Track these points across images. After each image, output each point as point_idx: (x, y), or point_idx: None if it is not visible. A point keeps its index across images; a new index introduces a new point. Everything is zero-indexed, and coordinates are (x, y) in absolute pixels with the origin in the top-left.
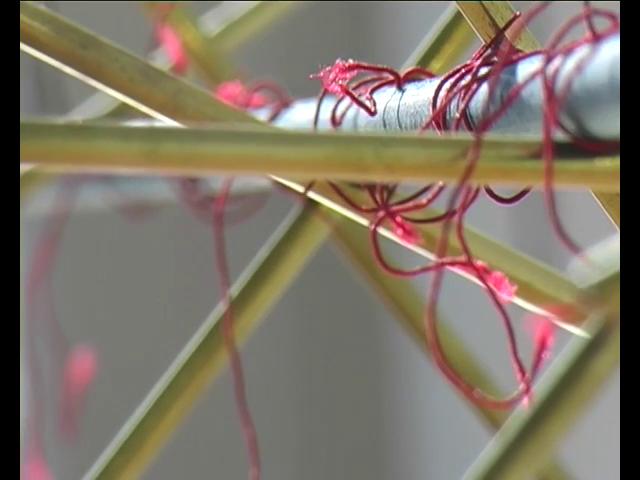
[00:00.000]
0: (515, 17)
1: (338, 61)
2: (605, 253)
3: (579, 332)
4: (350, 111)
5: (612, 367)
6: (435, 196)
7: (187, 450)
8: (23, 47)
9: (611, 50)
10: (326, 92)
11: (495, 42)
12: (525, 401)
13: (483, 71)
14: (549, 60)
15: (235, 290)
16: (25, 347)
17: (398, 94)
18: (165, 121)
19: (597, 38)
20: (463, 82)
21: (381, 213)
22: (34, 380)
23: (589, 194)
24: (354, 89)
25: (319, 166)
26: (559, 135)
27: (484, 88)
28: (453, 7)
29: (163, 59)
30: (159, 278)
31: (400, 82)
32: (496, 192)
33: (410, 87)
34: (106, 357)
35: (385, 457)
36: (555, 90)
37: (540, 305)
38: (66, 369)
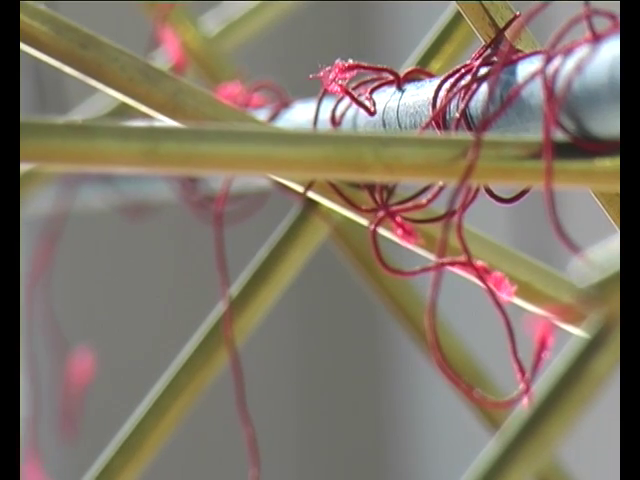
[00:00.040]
0: (515, 17)
1: (338, 61)
2: (605, 253)
3: (579, 332)
4: (350, 111)
5: (612, 367)
6: (435, 196)
7: (187, 450)
8: (23, 47)
9: (611, 50)
10: (326, 92)
11: (495, 42)
12: (525, 401)
13: (483, 71)
14: (549, 60)
15: (235, 290)
16: (25, 347)
17: (398, 94)
18: (165, 121)
19: (597, 38)
20: (463, 82)
21: (381, 213)
22: (34, 380)
23: (589, 194)
24: (354, 89)
25: (319, 166)
26: (559, 135)
27: (484, 88)
28: (453, 7)
29: (163, 59)
30: (159, 278)
31: (400, 82)
32: (496, 192)
33: (410, 87)
34: (106, 357)
35: (385, 457)
36: (555, 90)
37: (540, 305)
38: (65, 369)
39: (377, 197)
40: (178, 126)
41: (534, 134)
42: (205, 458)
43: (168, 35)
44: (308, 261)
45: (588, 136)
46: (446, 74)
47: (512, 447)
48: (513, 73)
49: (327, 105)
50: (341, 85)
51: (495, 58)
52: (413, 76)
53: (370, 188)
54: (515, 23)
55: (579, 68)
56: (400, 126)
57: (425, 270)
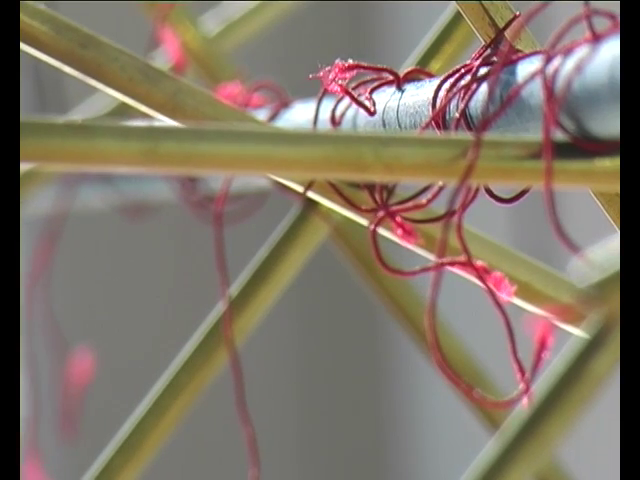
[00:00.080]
0: (515, 17)
1: (338, 61)
2: (604, 253)
3: (578, 332)
4: (349, 111)
5: (611, 367)
6: (435, 196)
7: (187, 450)
8: (23, 46)
9: (611, 50)
10: (326, 92)
11: (495, 42)
12: (524, 401)
13: (483, 71)
14: (549, 60)
15: (235, 290)
16: (25, 347)
17: (398, 94)
18: (164, 121)
19: (597, 38)
20: (463, 82)
21: (381, 213)
22: (34, 380)
23: (589, 194)
24: (354, 89)
25: (318, 166)
26: (559, 135)
27: (484, 88)
28: (453, 7)
29: (163, 59)
30: (158, 278)
31: (400, 82)
32: (496, 192)
33: (410, 87)
34: (105, 357)
35: (385, 457)
36: (555, 90)
37: (540, 305)
38: (65, 369)
39: (377, 197)
40: (178, 126)
41: (534, 134)
42: (205, 458)
43: (168, 35)
44: (308, 261)
45: (588, 136)
46: (446, 74)
47: (512, 447)
48: (513, 73)
49: (327, 105)
50: (341, 85)
51: (495, 58)
52: (413, 76)
53: (370, 188)
54: (515, 23)
55: (579, 68)
56: (400, 126)
57: (425, 270)
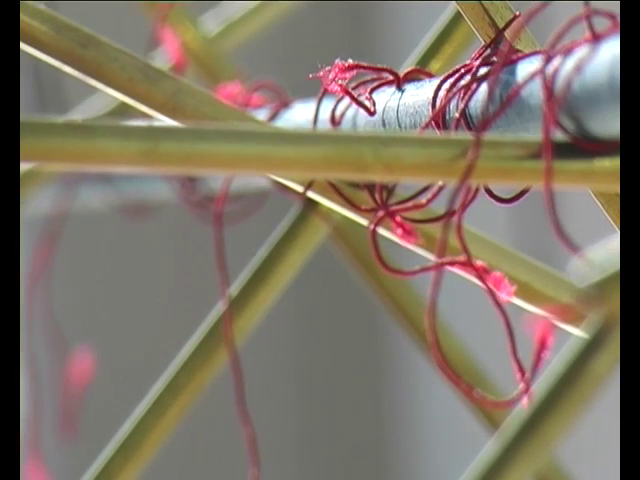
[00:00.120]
0: (515, 17)
1: (338, 61)
2: (604, 253)
3: (578, 332)
4: (349, 111)
5: (611, 367)
6: (435, 196)
7: (186, 450)
8: (23, 46)
9: (611, 50)
10: (325, 92)
11: (495, 42)
12: (524, 401)
13: (483, 71)
14: (549, 60)
15: (234, 290)
16: (25, 347)
17: (397, 94)
18: (164, 121)
19: (597, 38)
20: (462, 82)
21: (380, 213)
22: (34, 380)
23: (589, 194)
24: (353, 89)
25: (318, 166)
26: (558, 135)
27: (483, 88)
28: (453, 7)
29: (163, 59)
30: (158, 278)
31: (399, 82)
32: (496, 192)
33: (409, 87)
34: (105, 357)
35: (385, 457)
36: (554, 90)
37: (539, 305)
38: (65, 369)
39: (377, 197)
40: (177, 126)
41: (534, 134)
42: (205, 458)
43: (168, 35)
44: (308, 261)
45: (588, 136)
46: (446, 74)
47: (511, 447)
48: (513, 73)
49: (327, 105)
50: (341, 85)
51: (495, 58)
52: (413, 76)
53: (370, 188)
54: (515, 23)
55: (579, 68)
56: (400, 126)
57: (425, 270)
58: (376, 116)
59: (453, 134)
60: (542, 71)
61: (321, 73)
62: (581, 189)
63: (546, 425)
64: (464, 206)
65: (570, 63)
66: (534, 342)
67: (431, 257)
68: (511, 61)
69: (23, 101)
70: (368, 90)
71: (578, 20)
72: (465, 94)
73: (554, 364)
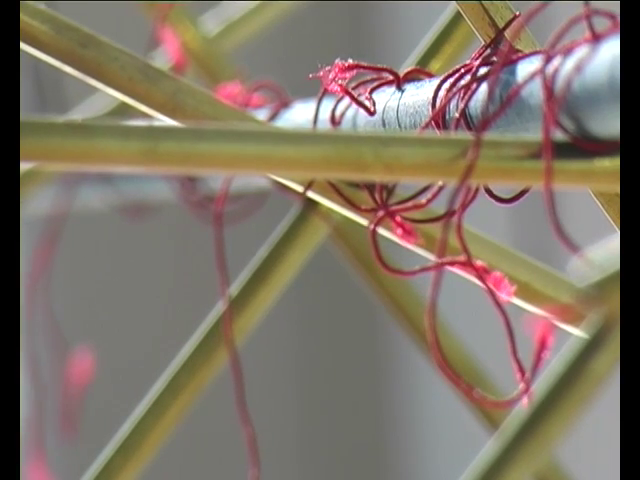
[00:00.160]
0: (515, 17)
1: (338, 61)
2: (604, 252)
3: (578, 332)
4: (349, 111)
5: (611, 367)
6: (435, 196)
7: (186, 450)
8: (23, 46)
9: (611, 50)
10: (325, 92)
11: (495, 42)
12: (524, 401)
13: (482, 71)
14: (548, 60)
15: (234, 290)
16: (25, 347)
17: (397, 94)
18: (164, 120)
19: (597, 38)
20: (462, 82)
21: (380, 213)
22: (34, 380)
23: (589, 194)
24: (353, 89)
25: (318, 165)
26: (558, 135)
27: (483, 88)
28: (453, 7)
29: (163, 59)
30: (159, 278)
31: (399, 82)
32: (495, 192)
33: (409, 87)
34: (105, 357)
35: (385, 457)
36: (554, 90)
37: (539, 305)
38: (66, 369)
39: (377, 197)
40: (177, 125)
41: (534, 134)
42: (205, 458)
43: (168, 35)
44: (308, 261)
45: (588, 136)
46: (446, 74)
47: (511, 447)
48: (513, 73)
49: (327, 105)
50: (341, 85)
51: (495, 58)
52: (413, 76)
53: (370, 188)
54: (515, 23)
55: (579, 68)
56: (400, 126)
57: (425, 270)
58: (376, 116)
59: (453, 134)
60: (542, 71)
61: (321, 73)
62: (581, 189)
63: (546, 425)
64: (464, 206)
65: (570, 63)
66: (534, 342)
67: (431, 257)
68: (511, 61)
69: (23, 101)
70: (368, 90)
71: (578, 20)
72: (465, 94)
73: (554, 364)
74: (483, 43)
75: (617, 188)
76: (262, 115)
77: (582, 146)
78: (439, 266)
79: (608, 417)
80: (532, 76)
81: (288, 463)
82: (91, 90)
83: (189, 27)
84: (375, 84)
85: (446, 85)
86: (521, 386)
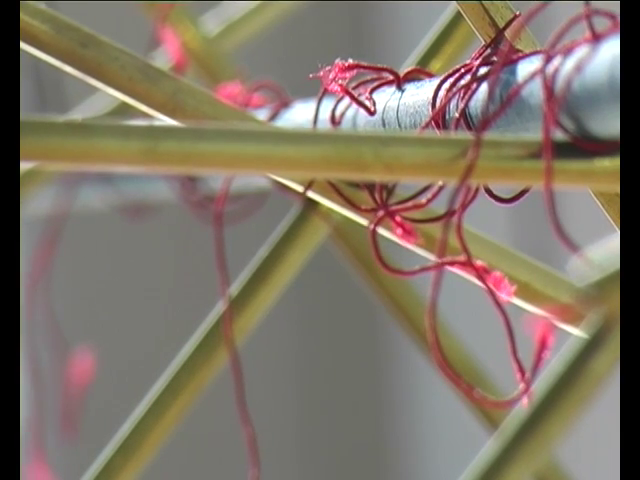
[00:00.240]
0: (515, 17)
1: (338, 61)
2: (604, 252)
3: (578, 332)
4: (349, 111)
5: (611, 366)
6: (435, 196)
7: (187, 449)
8: (23, 46)
9: (611, 50)
10: (326, 92)
11: (495, 42)
12: (524, 401)
13: (483, 71)
14: (549, 60)
15: (235, 290)
16: (25, 347)
17: (398, 94)
18: (165, 120)
19: (597, 38)
20: (463, 82)
21: (380, 213)
22: (34, 380)
23: (589, 194)
24: (354, 89)
25: (318, 165)
26: (559, 135)
27: (484, 88)
28: (453, 7)
29: (163, 59)
30: (159, 278)
31: (400, 82)
32: (495, 192)
33: (410, 87)
34: (106, 357)
35: (385, 457)
36: (555, 90)
37: (539, 305)
38: (66, 369)
39: (377, 197)
40: (177, 125)
41: (534, 134)
42: (205, 458)
43: (168, 35)
44: (308, 261)
45: (588, 136)
46: (446, 74)
47: (511, 446)
48: (513, 73)
49: (327, 105)
50: (341, 85)
51: (495, 58)
52: (413, 76)
53: (370, 188)
54: (515, 23)
55: (579, 68)
56: (400, 126)
57: (425, 270)
58: (376, 116)
59: (453, 134)
60: (542, 71)
61: (321, 73)
62: (581, 189)
63: (546, 425)
64: (464, 206)
65: (570, 63)
66: (534, 342)
67: (431, 257)
68: (511, 61)
69: (23, 101)
70: (368, 90)
71: (578, 20)
72: (465, 94)
73: (554, 364)
74: (483, 43)
75: (617, 188)
76: (262, 115)
77: (582, 146)
78: (439, 266)
79: (608, 417)
80: (532, 76)
81: (288, 463)
82: (91, 90)
83: (189, 27)
84: (375, 84)
85: (446, 85)
86: (521, 386)
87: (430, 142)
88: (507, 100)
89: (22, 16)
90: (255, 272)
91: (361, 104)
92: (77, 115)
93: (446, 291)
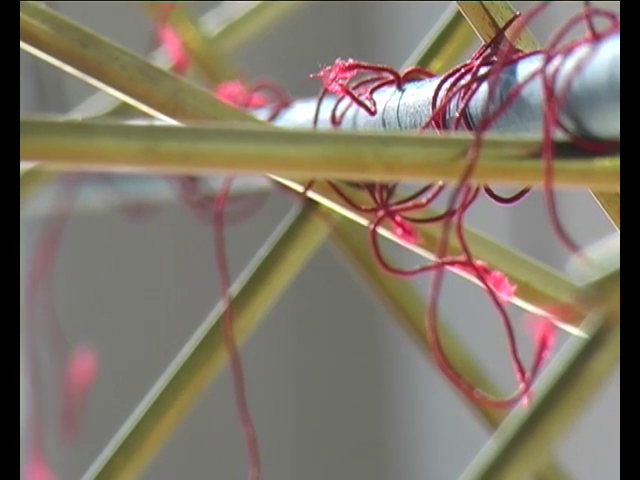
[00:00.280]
0: (515, 17)
1: (338, 61)
2: (604, 252)
3: (578, 332)
4: (350, 111)
5: (611, 366)
6: (435, 196)
7: (187, 449)
8: (23, 46)
9: (611, 50)
10: (326, 92)
11: (495, 42)
12: (524, 401)
13: (483, 71)
14: (549, 60)
15: (235, 290)
16: (25, 347)
17: (398, 94)
18: (165, 120)
19: (597, 38)
20: (463, 82)
21: (381, 213)
22: (34, 380)
23: (589, 194)
24: (354, 89)
25: (318, 165)
26: (559, 135)
27: (484, 88)
28: (453, 7)
29: (163, 59)
30: (159, 278)
31: (400, 82)
32: (496, 192)
33: (410, 87)
34: (106, 357)
35: (385, 457)
36: (555, 90)
37: (539, 305)
38: (66, 369)
39: (377, 197)
40: (177, 125)
41: (534, 134)
42: (205, 458)
43: (169, 35)
44: (308, 261)
45: (588, 136)
46: (446, 74)
47: (511, 446)
48: (513, 73)
49: (327, 105)
50: (341, 85)
51: (495, 58)
52: (413, 76)
53: (370, 188)
54: (515, 23)
55: (579, 68)
56: (400, 126)
57: (425, 270)
58: (376, 116)
59: (453, 134)
60: (542, 71)
61: (321, 73)
62: (581, 189)
63: (545, 425)
64: (464, 206)
65: (570, 63)
66: (534, 342)
67: (431, 257)
68: (511, 61)
69: (24, 100)
70: (368, 90)
71: (578, 20)
72: (465, 94)
73: (554, 364)
74: (483, 43)
75: (617, 188)
76: (262, 115)
77: (582, 146)
78: (439, 266)
79: (608, 417)
80: (532, 76)
81: (288, 463)
82: (92, 90)
83: (190, 27)
84: (375, 84)
85: (446, 85)
86: (521, 386)
87: (430, 142)
88: (507, 100)
89: (22, 16)
90: (255, 272)
91: (361, 104)
92: (77, 115)
93: (446, 291)
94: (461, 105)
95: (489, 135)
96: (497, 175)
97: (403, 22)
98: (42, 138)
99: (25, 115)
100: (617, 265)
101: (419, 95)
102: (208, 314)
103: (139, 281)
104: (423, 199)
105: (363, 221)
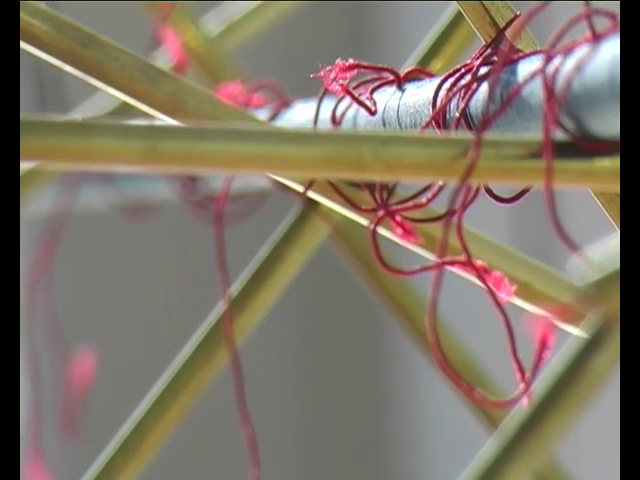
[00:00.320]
0: (515, 17)
1: (338, 61)
2: (604, 251)
3: (578, 332)
4: (350, 111)
5: (611, 366)
6: (435, 196)
7: (187, 449)
8: (23, 45)
9: (611, 50)
10: (326, 92)
11: (495, 42)
12: (524, 401)
13: (483, 70)
14: (549, 60)
15: (235, 290)
16: (26, 347)
17: (398, 94)
18: (165, 120)
19: (597, 38)
20: (463, 81)
21: (381, 213)
22: (34, 380)
23: (589, 194)
24: (354, 89)
25: (318, 165)
26: (559, 135)
27: (484, 87)
28: (453, 7)
29: (164, 59)
30: (159, 278)
31: (400, 82)
32: (496, 192)
33: (410, 87)
34: (106, 357)
35: (385, 457)
36: (555, 90)
37: (539, 305)
38: (67, 369)
39: (377, 197)
40: (177, 124)
41: (534, 133)
42: (205, 458)
43: (169, 35)
44: (308, 261)
45: (588, 136)
46: (446, 74)
47: (511, 446)
48: (513, 72)
49: (327, 105)
50: (342, 85)
51: (495, 58)
52: (413, 76)
53: (370, 188)
54: (515, 23)
55: (579, 68)
56: (400, 125)
57: (425, 270)
58: (376, 116)
59: (453, 134)
60: (542, 71)
61: (322, 73)
62: (581, 189)
63: (545, 424)
64: (464, 206)
65: (570, 63)
66: (534, 342)
67: (431, 257)
68: (512, 61)
69: (24, 100)
70: (369, 90)
71: (578, 20)
72: (466, 94)
73: (554, 364)
74: (484, 43)
75: (617, 188)
76: (263, 115)
77: (582, 146)
78: (439, 266)
79: (608, 417)
80: (532, 76)
81: (288, 463)
82: (92, 90)
83: (190, 27)
84: (376, 84)
85: (446, 85)
86: (521, 386)
87: (430, 142)
88: (507, 100)
89: (22, 16)
90: (255, 272)
91: (362, 104)
92: (77, 115)
93: (446, 291)
94: (461, 105)
95: (489, 135)
96: (497, 175)
97: (403, 22)
98: (42, 138)
99: (25, 115)
100: (617, 265)
101: (419, 95)
102: (208, 314)
103: (139, 281)
104: (423, 199)
105: (363, 221)
